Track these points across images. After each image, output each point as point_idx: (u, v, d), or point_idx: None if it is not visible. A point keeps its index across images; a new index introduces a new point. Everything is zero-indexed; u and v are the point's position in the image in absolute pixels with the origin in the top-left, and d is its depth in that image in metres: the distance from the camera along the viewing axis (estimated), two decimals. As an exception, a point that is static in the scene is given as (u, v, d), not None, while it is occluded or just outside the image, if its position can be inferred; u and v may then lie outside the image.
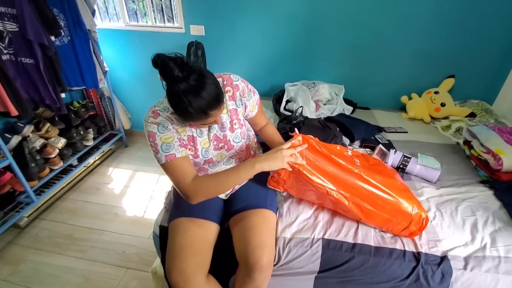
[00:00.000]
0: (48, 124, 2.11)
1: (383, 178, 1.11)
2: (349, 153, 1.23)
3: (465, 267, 1.02)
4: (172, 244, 1.04)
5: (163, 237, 1.17)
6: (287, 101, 2.08)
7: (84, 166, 2.42)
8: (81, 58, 2.20)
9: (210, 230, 1.10)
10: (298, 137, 1.07)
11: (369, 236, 1.10)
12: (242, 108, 1.12)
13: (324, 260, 1.06)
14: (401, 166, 1.47)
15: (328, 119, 1.87)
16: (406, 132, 1.90)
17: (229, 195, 1.23)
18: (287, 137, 1.60)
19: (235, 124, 1.12)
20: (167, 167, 0.99)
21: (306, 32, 2.19)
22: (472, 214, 1.23)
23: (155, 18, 2.44)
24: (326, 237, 1.10)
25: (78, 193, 2.23)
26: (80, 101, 2.50)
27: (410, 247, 1.07)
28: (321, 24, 2.14)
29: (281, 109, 2.03)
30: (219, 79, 1.05)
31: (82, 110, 2.44)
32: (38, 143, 2.04)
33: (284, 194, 1.27)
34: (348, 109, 2.08)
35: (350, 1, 2.02)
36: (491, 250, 1.08)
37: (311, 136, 1.12)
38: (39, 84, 1.85)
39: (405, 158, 1.46)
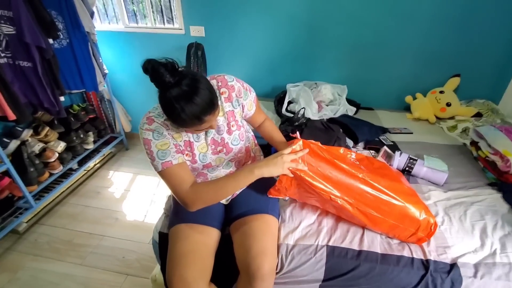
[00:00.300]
0: (47, 128, 2.08)
1: (389, 182, 1.07)
2: (353, 156, 1.19)
3: (475, 275, 0.98)
4: (173, 251, 1.02)
5: (163, 244, 1.14)
6: (289, 102, 2.05)
7: (84, 170, 2.40)
8: (80, 61, 2.18)
9: (211, 236, 1.07)
10: (298, 142, 1.04)
11: (375, 243, 1.06)
12: (239, 108, 1.08)
13: (328, 268, 1.02)
14: (406, 168, 1.42)
15: (331, 120, 1.83)
16: (411, 133, 1.86)
17: (229, 200, 1.20)
18: (289, 139, 1.57)
19: (232, 126, 1.09)
20: (164, 175, 0.97)
21: (308, 32, 2.15)
22: (481, 219, 1.19)
23: (154, 20, 2.42)
24: (330, 243, 1.07)
25: (78, 197, 2.20)
26: (80, 104, 2.48)
27: (418, 254, 1.03)
28: (323, 24, 2.10)
29: (283, 110, 1.99)
30: (213, 81, 1.02)
31: (82, 113, 2.42)
32: (37, 147, 2.01)
33: (287, 198, 1.24)
34: (351, 110, 2.04)
35: (352, 0, 1.98)
36: (501, 257, 1.04)
37: (313, 141, 1.08)
38: (38, 87, 1.83)
39: (411, 160, 1.42)
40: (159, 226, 1.20)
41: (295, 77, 2.28)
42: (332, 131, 1.53)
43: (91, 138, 2.48)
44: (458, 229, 1.14)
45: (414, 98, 2.14)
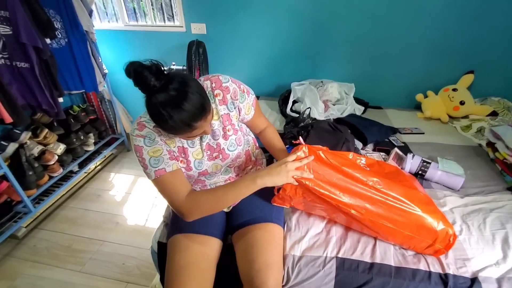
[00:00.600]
0: (46, 130, 2.04)
1: (403, 189, 0.99)
2: (363, 161, 1.11)
3: (498, 291, 0.90)
4: (171, 264, 0.96)
5: (162, 255, 1.08)
6: (294, 102, 1.97)
7: (85, 172, 2.35)
8: (79, 61, 2.12)
9: (212, 246, 1.01)
10: (303, 148, 0.96)
11: (388, 255, 0.99)
12: (236, 111, 1.00)
13: (338, 282, 0.95)
14: (419, 172, 1.34)
15: (339, 120, 1.75)
16: (423, 133, 1.77)
17: (231, 207, 1.13)
18: (294, 142, 1.50)
19: (228, 130, 1.01)
20: (158, 183, 0.91)
21: (313, 28, 2.07)
22: (502, 227, 1.10)
23: (155, 17, 2.35)
24: (340, 255, 0.99)
25: (78, 200, 2.15)
26: (80, 105, 2.43)
27: (435, 268, 0.95)
28: (329, 19, 2.01)
29: (288, 110, 1.92)
30: (207, 82, 0.95)
31: (82, 114, 2.37)
32: (36, 150, 1.97)
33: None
34: (359, 109, 1.95)
35: (360, -7, 1.90)
36: (525, 270, 0.95)
37: (319, 146, 1.00)
38: (36, 88, 1.78)
39: (425, 164, 1.33)
40: (158, 236, 1.14)
41: (300, 75, 2.19)
42: (340, 133, 1.45)
43: (91, 140, 2.43)
44: (478, 239, 1.06)
45: (425, 96, 2.05)
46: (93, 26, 2.10)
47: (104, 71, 2.28)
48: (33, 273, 1.62)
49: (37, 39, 1.67)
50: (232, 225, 1.07)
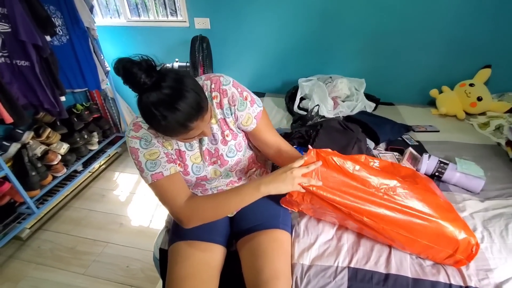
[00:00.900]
0: (49, 130, 2.00)
1: (421, 194, 0.92)
2: (376, 163, 1.04)
3: (525, 305, 0.83)
4: (172, 274, 0.91)
5: (164, 262, 1.03)
6: (301, 99, 1.90)
7: (89, 172, 2.33)
8: (81, 58, 2.08)
9: (216, 254, 0.96)
10: (311, 153, 0.89)
11: (404, 265, 0.92)
12: (232, 118, 0.92)
13: (350, 294, 0.89)
14: (436, 173, 1.26)
15: (349, 118, 1.68)
16: (438, 131, 1.68)
17: (235, 212, 1.07)
18: (301, 142, 1.43)
19: (227, 136, 0.94)
20: (155, 188, 0.86)
21: (322, 21, 1.98)
22: (526, 234, 1.03)
23: (157, 12, 2.29)
24: (352, 265, 0.93)
25: (83, 200, 2.13)
26: (84, 103, 2.39)
27: (456, 280, 0.88)
28: (338, 11, 1.92)
29: (295, 107, 1.85)
30: (207, 82, 0.88)
31: (86, 113, 2.33)
32: (39, 150, 1.94)
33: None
34: (370, 106, 1.87)
35: (371, -16, 1.80)
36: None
37: (328, 150, 0.92)
38: (37, 87, 1.74)
39: (442, 165, 1.25)
40: (159, 242, 1.09)
41: (308, 71, 2.11)
42: (352, 132, 1.37)
43: (95, 139, 2.40)
44: (500, 247, 0.99)
45: (440, 92, 1.95)
46: (95, 22, 2.05)
47: (107, 68, 2.24)
48: (37, 276, 1.59)
49: (36, 36, 1.62)
50: (237, 231, 1.02)
